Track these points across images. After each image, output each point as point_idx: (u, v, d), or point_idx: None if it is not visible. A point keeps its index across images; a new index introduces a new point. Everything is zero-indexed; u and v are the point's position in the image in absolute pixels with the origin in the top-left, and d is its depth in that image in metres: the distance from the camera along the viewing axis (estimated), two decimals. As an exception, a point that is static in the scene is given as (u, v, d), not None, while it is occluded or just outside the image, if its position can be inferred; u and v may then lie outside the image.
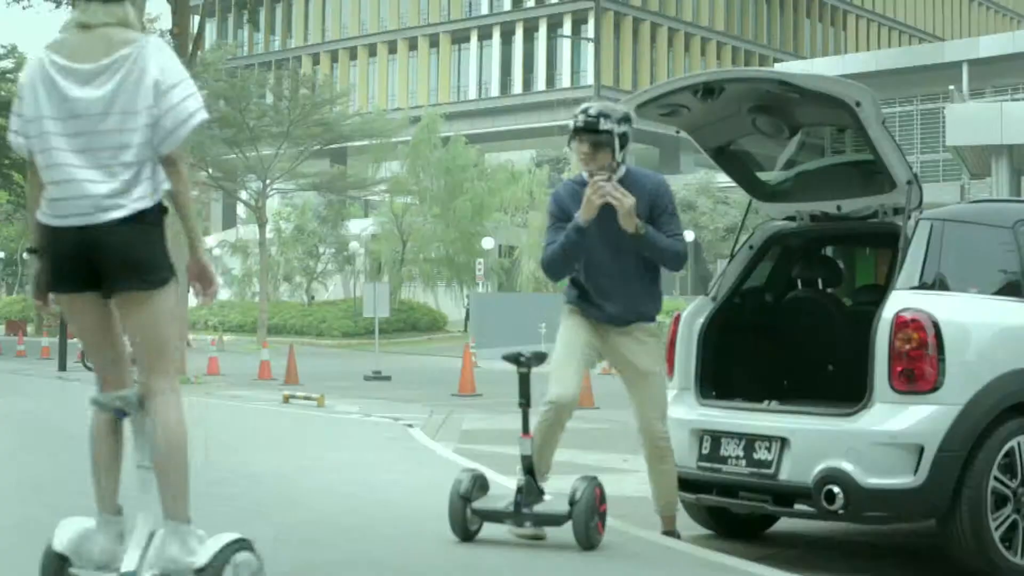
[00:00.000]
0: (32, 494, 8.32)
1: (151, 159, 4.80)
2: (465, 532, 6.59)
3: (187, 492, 4.83)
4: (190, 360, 27.40)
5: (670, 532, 6.97)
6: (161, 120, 4.77)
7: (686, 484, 7.00)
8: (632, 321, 6.86)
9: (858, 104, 6.40)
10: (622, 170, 6.79)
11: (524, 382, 6.63)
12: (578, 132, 6.84)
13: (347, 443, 12.59)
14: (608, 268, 6.82)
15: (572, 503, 6.35)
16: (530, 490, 6.53)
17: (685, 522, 7.67)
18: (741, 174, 7.77)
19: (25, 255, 5.45)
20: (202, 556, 4.71)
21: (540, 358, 6.69)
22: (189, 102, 4.83)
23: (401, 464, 10.59)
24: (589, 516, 6.32)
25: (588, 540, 6.34)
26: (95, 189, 4.72)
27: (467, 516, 6.58)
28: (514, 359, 6.61)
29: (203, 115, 4.89)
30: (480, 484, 6.69)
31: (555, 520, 6.45)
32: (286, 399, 18.72)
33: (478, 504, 6.59)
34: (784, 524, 7.95)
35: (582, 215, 6.64)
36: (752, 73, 7.37)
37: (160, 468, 4.79)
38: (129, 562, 4.68)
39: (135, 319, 4.90)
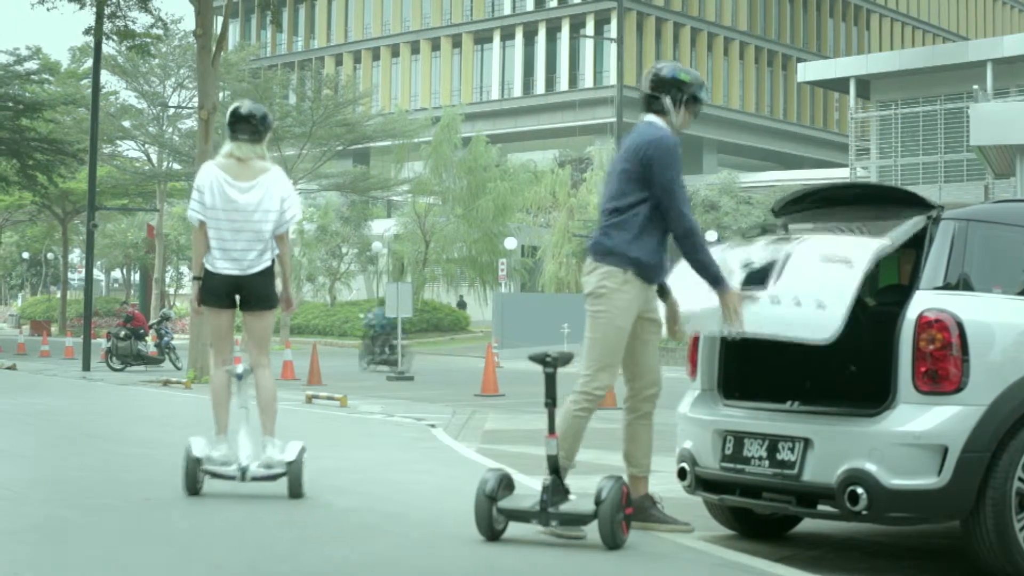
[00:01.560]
0: (55, 494, 8.36)
1: (271, 237, 8.41)
2: (491, 531, 6.60)
3: (276, 419, 8.52)
4: (212, 360, 27.41)
5: (649, 496, 7.21)
6: (280, 217, 8.39)
7: (709, 484, 7.00)
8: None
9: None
10: None
11: (550, 382, 6.63)
12: (699, 107, 7.36)
13: (370, 443, 12.62)
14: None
15: (598, 503, 6.36)
16: (556, 489, 6.53)
17: (708, 523, 7.67)
18: None
19: (193, 283, 7.59)
20: (289, 454, 8.13)
21: (567, 359, 6.70)
22: (295, 207, 8.53)
23: (423, 464, 10.61)
24: (615, 515, 6.32)
25: (613, 539, 6.34)
26: (245, 256, 8.35)
27: (493, 515, 6.59)
28: (540, 359, 6.62)
29: (300, 214, 8.79)
30: (506, 484, 6.70)
31: (581, 519, 6.46)
32: (309, 399, 18.76)
33: (504, 503, 6.60)
34: (807, 525, 7.94)
35: (728, 323, 6.79)
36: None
37: (264, 406, 8.51)
38: (244, 460, 8.11)
39: (257, 324, 8.63)
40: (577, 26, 74.47)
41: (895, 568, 6.98)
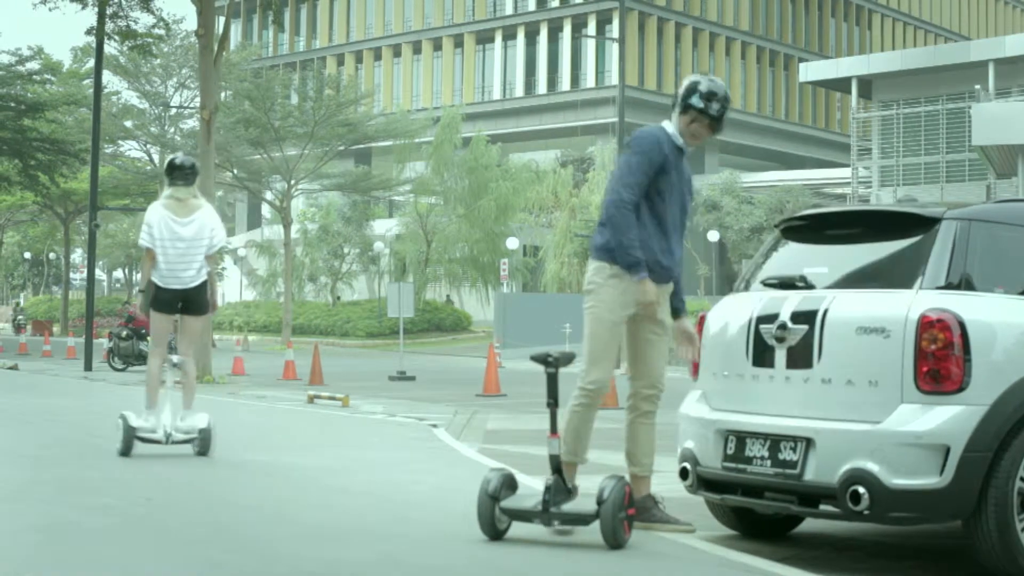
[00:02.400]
0: (55, 494, 8.35)
1: (204, 258, 10.95)
2: (494, 531, 6.59)
3: (194, 396, 11.00)
4: (215, 360, 27.47)
5: (651, 496, 7.24)
6: (210, 243, 10.95)
7: (711, 484, 6.99)
8: (672, 277, 7.33)
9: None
10: None
11: (552, 382, 6.62)
12: (712, 119, 7.27)
13: (372, 443, 12.61)
14: (675, 226, 7.32)
15: (600, 502, 6.35)
16: (558, 489, 6.53)
17: (710, 523, 7.66)
18: None
19: (139, 294, 12.58)
20: (202, 423, 10.57)
21: (568, 359, 6.70)
22: (221, 236, 11.11)
23: (425, 464, 10.60)
24: (617, 515, 6.32)
25: (615, 539, 6.33)
26: (187, 274, 10.89)
27: (496, 515, 6.58)
28: (542, 360, 6.62)
29: (225, 240, 11.35)
30: (509, 483, 6.69)
31: (583, 519, 6.45)
32: (311, 399, 18.76)
33: (506, 503, 6.59)
34: (809, 524, 7.93)
35: (640, 297, 7.04)
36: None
37: (188, 387, 10.94)
38: (168, 428, 10.45)
39: (194, 324, 11.23)
40: (579, 26, 74.48)
41: (897, 568, 6.97)
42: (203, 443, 10.56)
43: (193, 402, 10.93)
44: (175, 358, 10.78)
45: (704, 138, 7.37)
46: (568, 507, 6.51)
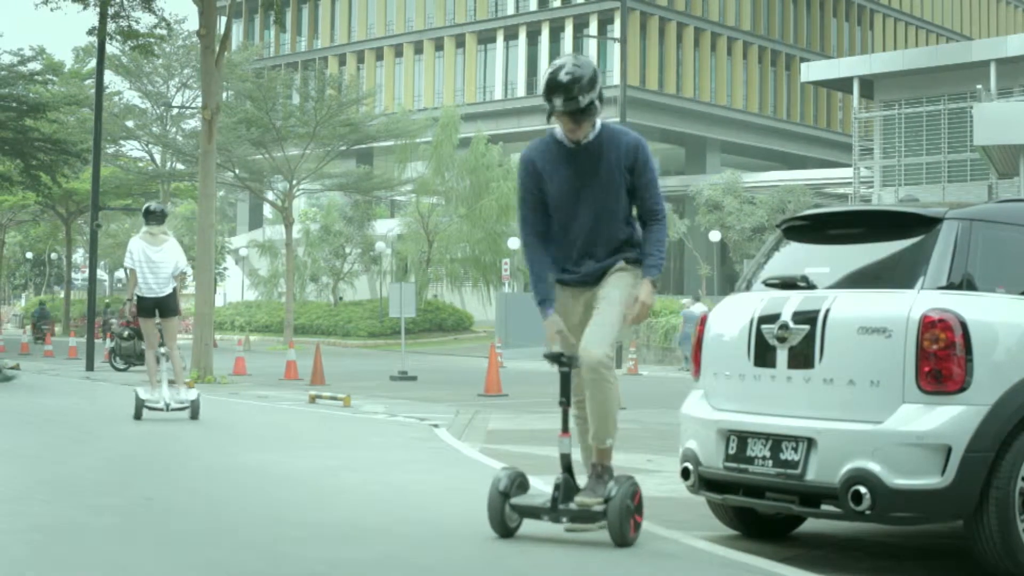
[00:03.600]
0: (56, 494, 8.35)
1: (171, 276, 15.28)
2: (504, 529, 6.59)
3: (184, 376, 15.53)
4: (217, 360, 27.46)
5: (603, 467, 6.81)
6: (175, 266, 15.28)
7: (712, 484, 6.99)
8: (609, 270, 6.96)
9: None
10: (598, 126, 6.91)
11: (565, 381, 6.61)
12: (562, 115, 6.82)
13: (373, 443, 12.61)
14: (585, 223, 6.94)
15: (607, 500, 6.35)
16: (567, 487, 6.52)
17: (711, 523, 7.65)
18: None
19: (129, 303, 15.81)
20: (192, 395, 14.81)
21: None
22: (184, 261, 15.49)
23: (427, 464, 10.59)
24: (624, 513, 6.31)
25: (622, 537, 6.32)
26: (159, 286, 15.19)
27: (506, 513, 6.58)
28: (555, 358, 6.61)
29: (185, 262, 15.69)
30: (519, 483, 6.68)
31: (590, 517, 6.44)
32: (312, 399, 18.76)
33: (516, 500, 6.58)
34: (810, 524, 7.92)
35: (546, 343, 6.93)
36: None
37: (176, 371, 15.03)
38: (166, 399, 14.64)
39: (170, 325, 15.28)
40: (580, 26, 74.43)
41: (898, 568, 6.96)
42: (194, 409, 14.61)
43: (183, 380, 15.14)
44: (162, 349, 14.91)
45: (579, 132, 6.86)
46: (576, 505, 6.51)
